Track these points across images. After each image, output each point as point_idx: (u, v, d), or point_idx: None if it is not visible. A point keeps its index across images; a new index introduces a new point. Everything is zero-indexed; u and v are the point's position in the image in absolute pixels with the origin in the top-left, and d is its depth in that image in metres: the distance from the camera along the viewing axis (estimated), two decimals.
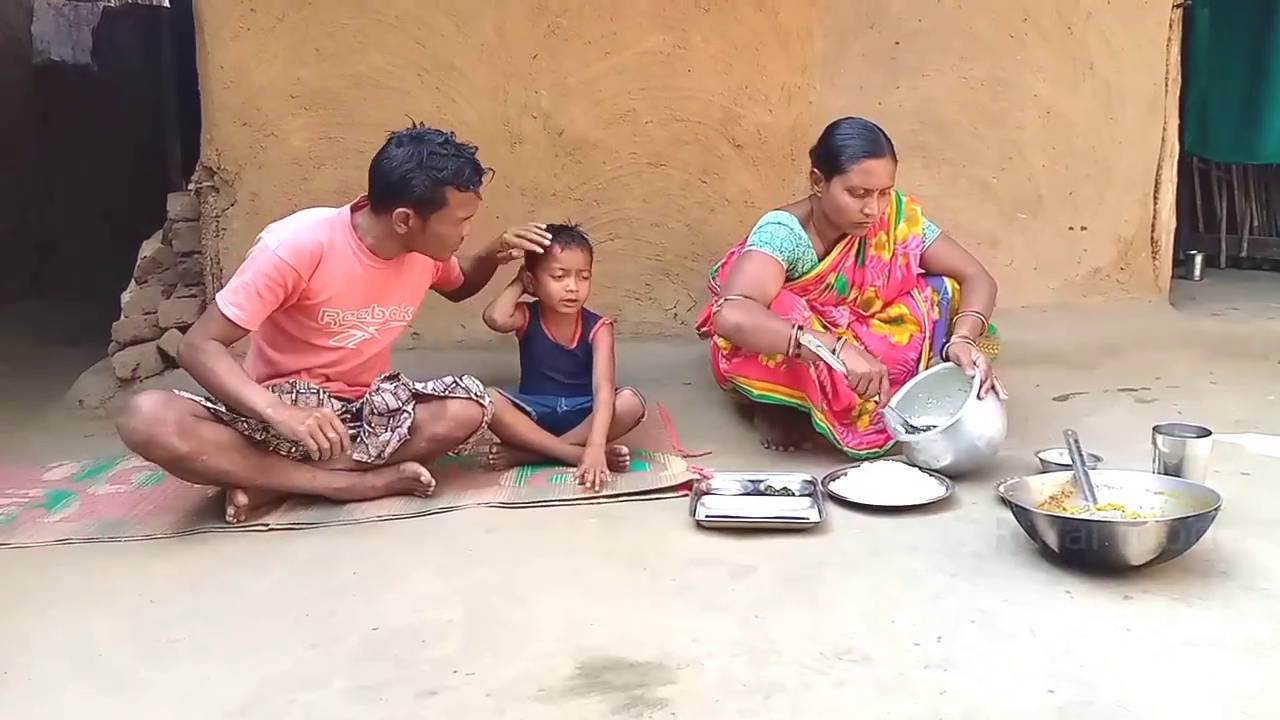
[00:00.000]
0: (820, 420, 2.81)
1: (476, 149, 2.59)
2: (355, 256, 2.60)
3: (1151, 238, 4.14)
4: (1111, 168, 4.04)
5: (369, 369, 2.75)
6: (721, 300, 2.81)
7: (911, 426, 2.75)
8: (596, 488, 2.59)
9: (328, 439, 2.40)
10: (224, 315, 2.49)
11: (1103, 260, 4.09)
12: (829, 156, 2.86)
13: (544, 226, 2.89)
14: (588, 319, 3.00)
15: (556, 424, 2.89)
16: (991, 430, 2.65)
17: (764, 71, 3.76)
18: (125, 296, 3.77)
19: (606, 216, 3.74)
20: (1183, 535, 1.99)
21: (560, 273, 2.87)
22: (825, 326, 2.95)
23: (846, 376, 2.65)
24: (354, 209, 2.64)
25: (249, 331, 2.55)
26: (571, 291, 2.88)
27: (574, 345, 2.97)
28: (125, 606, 2.06)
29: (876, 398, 2.64)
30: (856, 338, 2.97)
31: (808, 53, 3.78)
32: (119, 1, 8.35)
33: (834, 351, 2.64)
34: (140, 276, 3.80)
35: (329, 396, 2.67)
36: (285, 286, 2.50)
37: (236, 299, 2.49)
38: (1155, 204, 4.12)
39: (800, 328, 2.69)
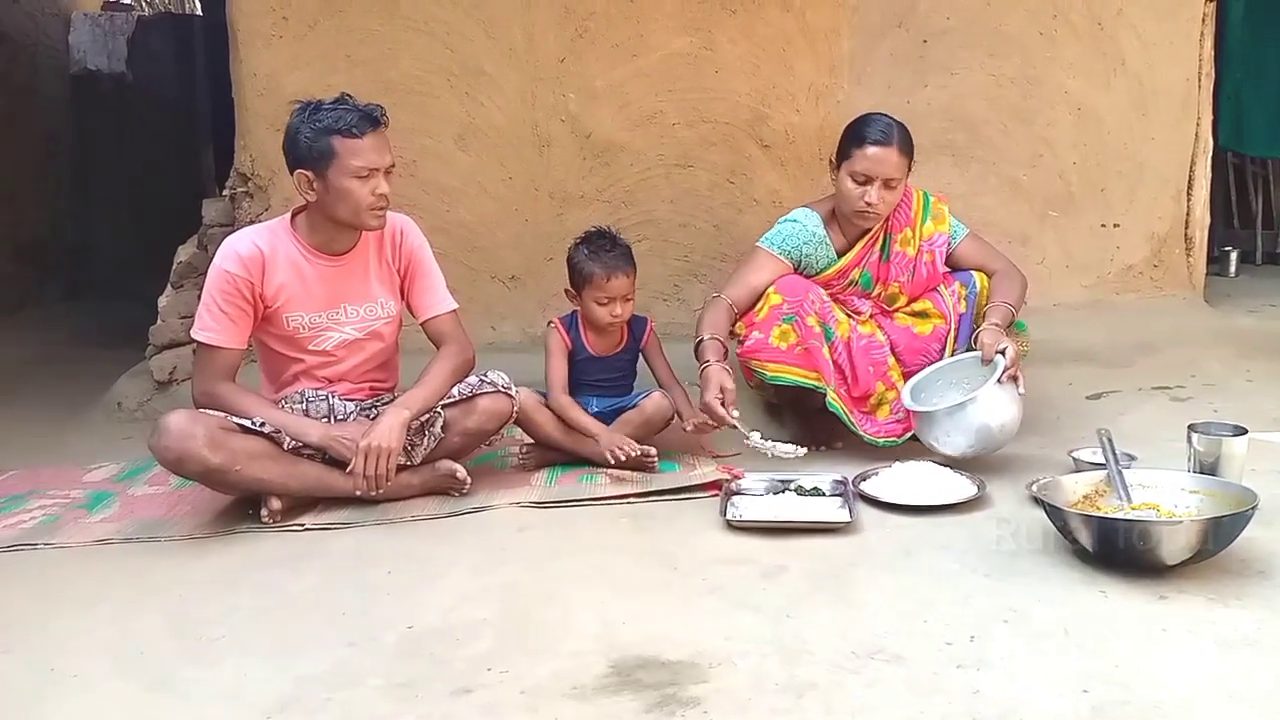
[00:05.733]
0: (834, 401, 2.82)
1: (380, 107, 2.53)
2: (302, 257, 2.60)
3: (1185, 234, 4.10)
4: (1144, 164, 4.00)
5: (376, 369, 2.76)
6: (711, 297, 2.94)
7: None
8: (632, 453, 2.68)
9: (370, 474, 2.45)
10: (201, 344, 2.57)
11: (1136, 257, 4.05)
12: (841, 144, 2.92)
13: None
14: (630, 323, 3.00)
15: None
16: (1005, 417, 2.64)
17: (791, 72, 3.75)
18: (162, 301, 3.83)
19: (634, 218, 3.76)
20: (1219, 535, 1.98)
21: (606, 300, 2.88)
22: (848, 315, 2.97)
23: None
24: (294, 213, 2.66)
25: (239, 351, 2.58)
26: (616, 315, 2.89)
27: (613, 355, 2.99)
28: (165, 605, 2.10)
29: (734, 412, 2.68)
30: (880, 328, 2.98)
31: (835, 52, 3.77)
32: (153, 11, 8.49)
33: (700, 370, 2.74)
34: (177, 281, 3.85)
35: (339, 399, 2.69)
36: (243, 295, 2.54)
37: (202, 323, 2.56)
38: (1189, 200, 4.08)
39: (713, 337, 2.79)
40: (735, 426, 2.68)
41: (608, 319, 2.88)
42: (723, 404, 2.65)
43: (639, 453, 2.69)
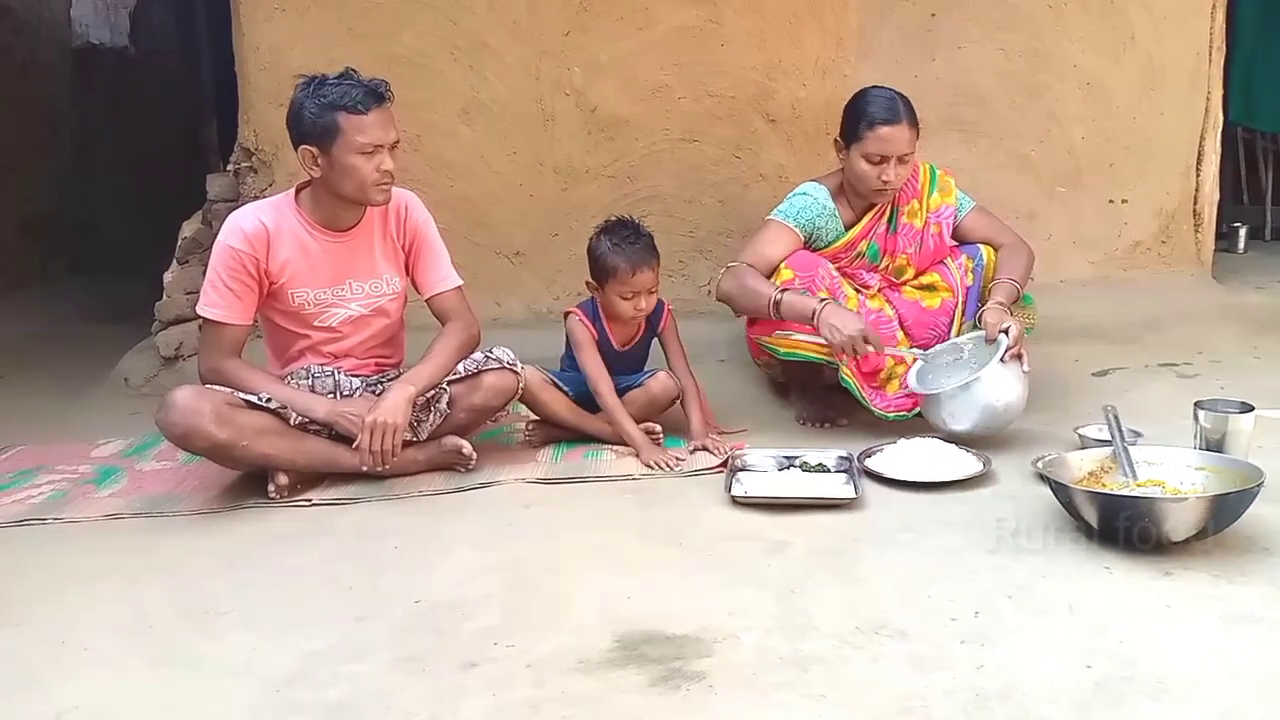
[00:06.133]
0: (846, 375, 2.82)
1: (385, 83, 2.52)
2: (307, 233, 2.60)
3: (1194, 210, 4.06)
4: (1153, 139, 3.96)
5: (381, 345, 2.76)
6: (725, 268, 2.88)
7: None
8: (724, 452, 2.66)
9: (376, 450, 2.45)
10: (207, 320, 2.57)
11: (1144, 233, 4.03)
12: (848, 124, 2.91)
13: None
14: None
15: (592, 403, 2.89)
16: (1010, 395, 2.65)
17: (798, 45, 3.72)
18: (167, 277, 3.83)
19: (640, 193, 3.74)
20: (1224, 511, 1.98)
21: (630, 295, 2.83)
22: (856, 289, 2.96)
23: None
24: (298, 189, 2.65)
25: (245, 327, 2.58)
26: (640, 309, 2.85)
27: (632, 345, 2.96)
28: (174, 580, 2.12)
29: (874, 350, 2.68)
30: (888, 303, 2.99)
31: (842, 26, 3.74)
32: None
33: (812, 315, 2.68)
34: (182, 257, 3.85)
35: (345, 375, 2.69)
36: (248, 271, 2.54)
37: (207, 299, 2.56)
38: (1198, 176, 4.04)
39: (785, 290, 2.73)
40: (908, 358, 2.74)
41: (631, 313, 2.85)
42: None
43: (675, 464, 2.65)
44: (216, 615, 1.95)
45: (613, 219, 2.93)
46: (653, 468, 2.64)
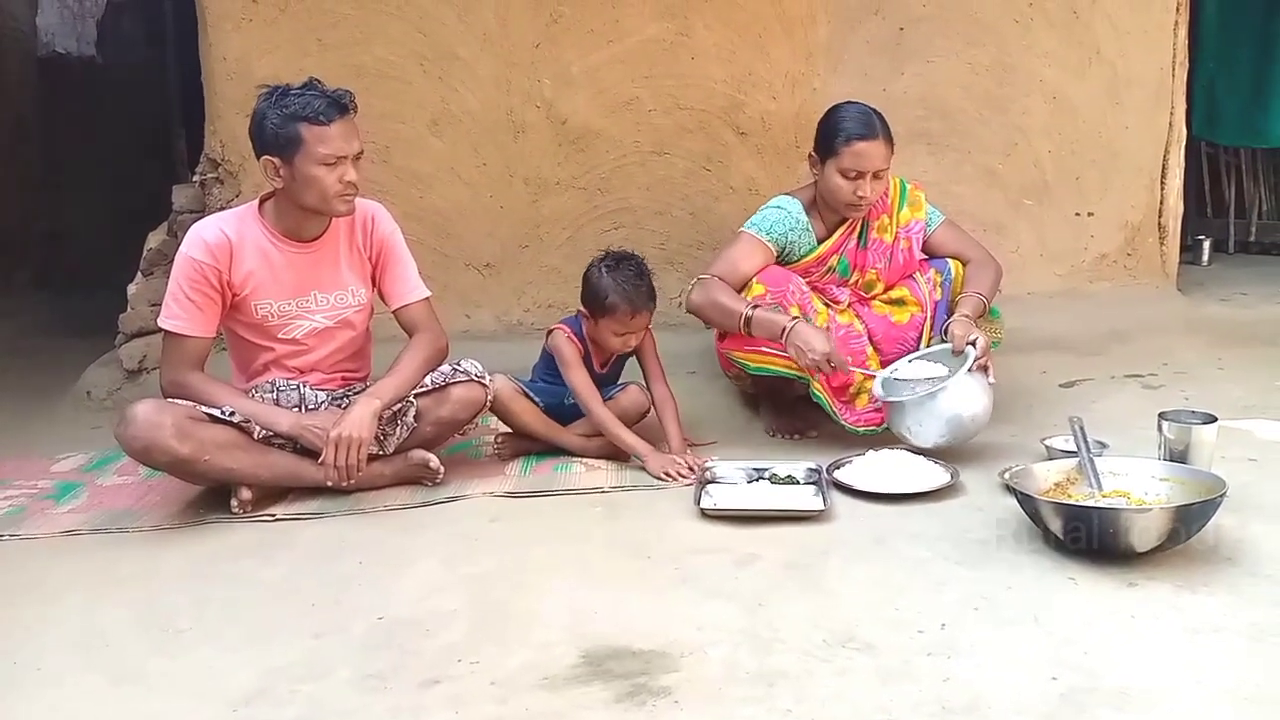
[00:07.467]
0: (817, 390, 2.83)
1: (348, 93, 2.51)
2: (271, 244, 2.57)
3: (1159, 223, 4.12)
4: (1118, 153, 4.01)
5: (348, 359, 2.74)
6: (695, 280, 2.87)
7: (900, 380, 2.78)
8: (689, 473, 2.61)
9: (341, 464, 2.43)
10: (168, 332, 2.54)
11: (1109, 246, 4.07)
12: (824, 139, 2.90)
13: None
14: None
15: (563, 414, 2.89)
16: (976, 407, 2.66)
17: (768, 58, 3.74)
18: (131, 288, 3.78)
19: (610, 205, 3.74)
20: (1188, 522, 1.99)
21: (624, 333, 2.81)
22: (826, 304, 2.97)
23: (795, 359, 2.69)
24: (262, 200, 2.63)
25: (207, 339, 2.55)
26: (629, 345, 2.85)
27: (611, 365, 2.95)
28: (133, 596, 2.08)
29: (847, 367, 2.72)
30: (858, 317, 2.99)
31: (811, 39, 3.76)
32: None
33: (782, 333, 2.68)
34: (146, 268, 3.80)
35: (310, 389, 2.67)
36: (211, 283, 2.51)
37: (169, 311, 2.53)
38: (1162, 189, 4.10)
39: (756, 307, 2.73)
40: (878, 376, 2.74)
41: (620, 346, 2.85)
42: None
43: (694, 469, 2.62)
44: (176, 632, 1.92)
45: (615, 251, 2.87)
46: (664, 478, 2.61)
